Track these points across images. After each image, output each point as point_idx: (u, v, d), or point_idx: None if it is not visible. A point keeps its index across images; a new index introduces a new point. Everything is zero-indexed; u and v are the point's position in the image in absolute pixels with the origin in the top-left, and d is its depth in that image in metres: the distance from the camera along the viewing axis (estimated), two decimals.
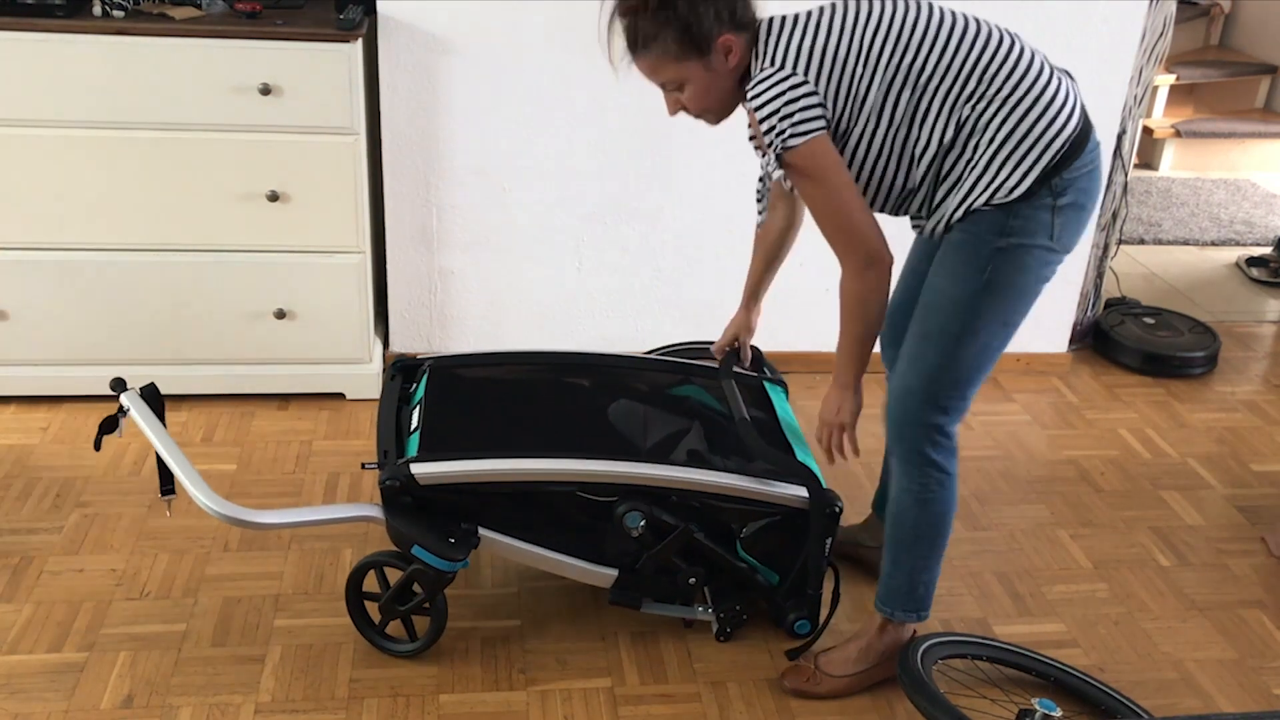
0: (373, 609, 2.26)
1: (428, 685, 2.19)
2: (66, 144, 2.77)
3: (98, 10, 2.72)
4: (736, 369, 2.52)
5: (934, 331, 2.02)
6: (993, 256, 1.95)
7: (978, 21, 1.95)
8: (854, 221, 1.94)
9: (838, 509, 2.22)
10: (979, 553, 2.69)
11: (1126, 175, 3.51)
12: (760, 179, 2.22)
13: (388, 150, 3.05)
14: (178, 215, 2.87)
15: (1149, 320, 3.77)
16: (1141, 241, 4.65)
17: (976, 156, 1.92)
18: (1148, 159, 5.54)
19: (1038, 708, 1.98)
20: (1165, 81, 5.36)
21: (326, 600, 2.39)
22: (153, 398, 2.21)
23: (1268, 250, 4.56)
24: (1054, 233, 1.94)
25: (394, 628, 2.27)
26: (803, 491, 2.21)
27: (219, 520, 2.11)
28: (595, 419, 2.36)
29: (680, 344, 2.88)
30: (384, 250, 3.17)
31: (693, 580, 2.26)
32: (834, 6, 1.95)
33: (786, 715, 2.18)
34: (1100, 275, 3.67)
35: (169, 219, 2.87)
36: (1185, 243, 4.70)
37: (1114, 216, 3.58)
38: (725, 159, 3.10)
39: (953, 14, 1.94)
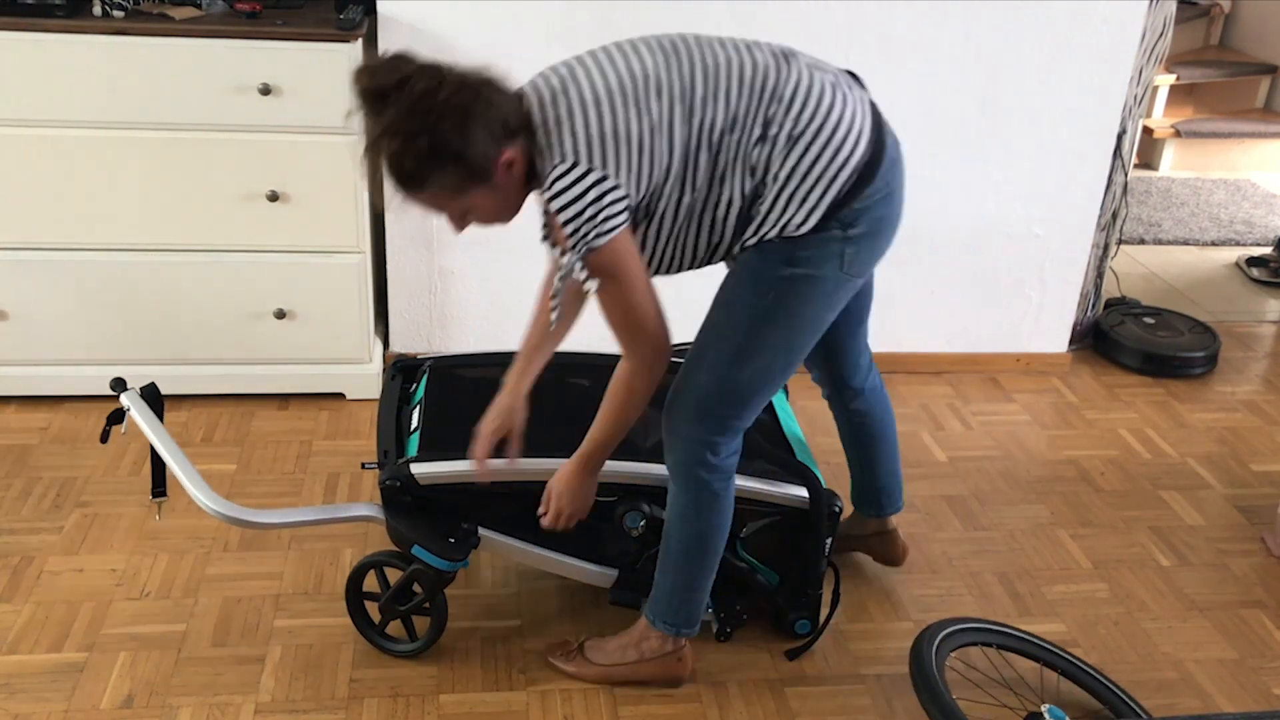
0: (373, 609, 2.26)
1: (428, 685, 2.19)
2: (66, 144, 2.77)
3: (98, 10, 2.72)
4: None
5: (710, 350, 1.98)
6: (777, 284, 1.90)
7: (749, 51, 1.86)
8: (649, 315, 1.87)
9: (838, 509, 2.22)
10: (979, 553, 2.69)
11: (1126, 175, 3.51)
12: (559, 278, 1.89)
13: None
14: (178, 215, 2.87)
15: (1149, 320, 3.77)
16: (1141, 241, 4.65)
17: (769, 195, 1.85)
18: (1148, 159, 5.54)
19: (1047, 715, 1.98)
20: (1165, 81, 5.36)
21: (326, 600, 2.39)
22: (153, 398, 2.21)
23: (1268, 250, 4.56)
24: (844, 263, 1.90)
25: (394, 628, 2.27)
26: (803, 492, 2.21)
27: (219, 520, 2.11)
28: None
29: (677, 344, 2.88)
30: (384, 250, 3.17)
31: None
32: (603, 72, 1.80)
33: (786, 715, 2.18)
34: (1100, 275, 3.67)
35: (169, 219, 2.87)
36: (1185, 243, 4.70)
37: (1114, 216, 3.58)
38: None
39: (723, 51, 1.85)
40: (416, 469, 2.15)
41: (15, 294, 2.91)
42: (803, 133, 1.82)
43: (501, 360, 2.56)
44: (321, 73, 2.76)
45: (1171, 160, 5.53)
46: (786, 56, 1.88)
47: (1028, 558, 2.68)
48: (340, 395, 3.16)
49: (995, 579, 2.60)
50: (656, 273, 1.97)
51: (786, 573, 2.29)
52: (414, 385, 2.46)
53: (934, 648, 2.08)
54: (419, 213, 3.11)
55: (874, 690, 2.25)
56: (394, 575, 2.21)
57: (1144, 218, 4.88)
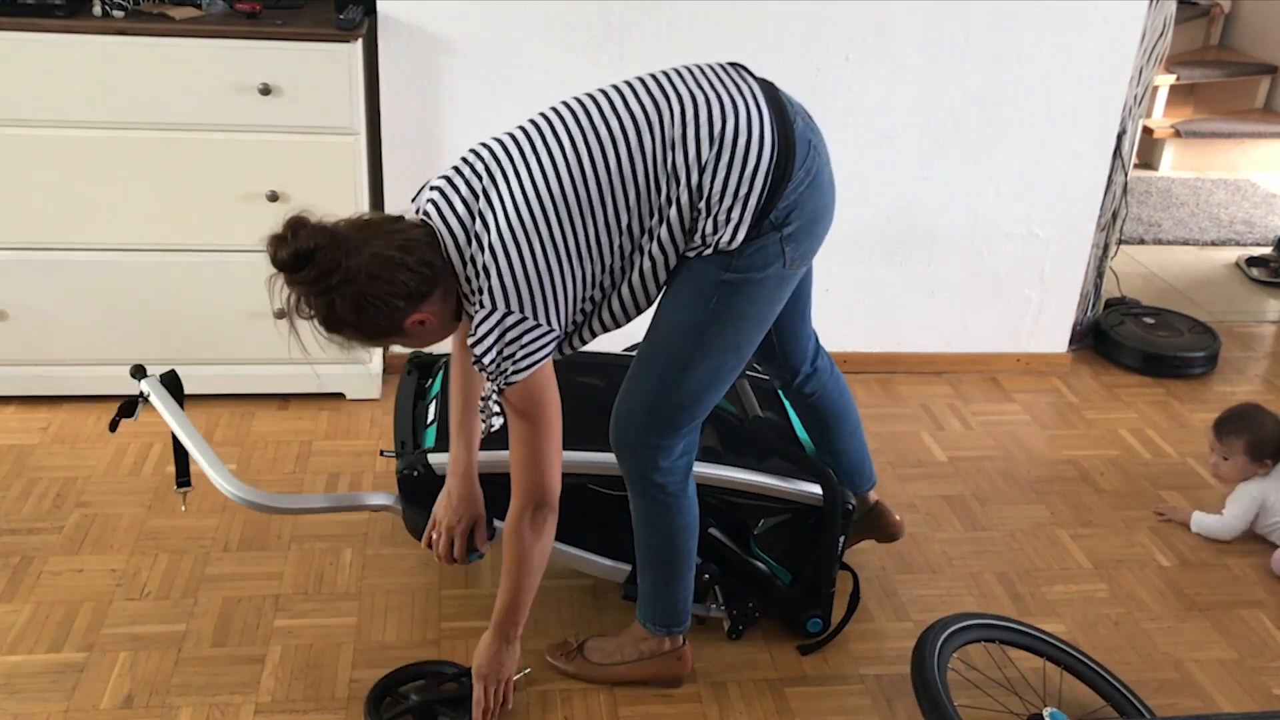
0: None
1: None
2: (67, 144, 2.77)
3: (98, 10, 2.72)
4: (749, 371, 2.53)
5: (658, 358, 1.96)
6: (718, 289, 1.88)
7: (626, 98, 1.84)
8: (547, 467, 1.89)
9: (851, 506, 2.22)
10: (979, 553, 2.69)
11: (1126, 175, 3.51)
12: (482, 401, 1.96)
13: (388, 150, 3.05)
14: (178, 215, 2.87)
15: (1149, 320, 3.77)
16: (1141, 241, 4.65)
17: (698, 227, 1.85)
18: (1148, 159, 5.54)
19: (1048, 717, 1.98)
20: (1165, 81, 5.36)
21: (326, 600, 2.40)
22: (173, 384, 2.21)
23: (1268, 250, 4.56)
24: (786, 259, 1.90)
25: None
26: (817, 488, 2.21)
27: (237, 504, 2.12)
28: (609, 416, 2.37)
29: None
30: None
31: (706, 576, 2.26)
32: (513, 193, 1.80)
33: (786, 715, 2.18)
34: (1100, 275, 3.67)
35: (169, 219, 2.87)
36: (1185, 243, 4.70)
37: (1114, 216, 3.58)
38: None
39: (598, 112, 1.84)
40: (435, 459, 2.18)
41: (15, 294, 2.91)
42: (709, 160, 1.81)
43: None
44: (321, 73, 2.76)
45: (1171, 160, 5.53)
46: (665, 90, 1.84)
47: (1028, 558, 2.68)
48: (340, 395, 3.16)
49: (995, 579, 2.60)
50: (617, 327, 1.98)
51: (799, 570, 2.29)
52: (430, 381, 2.49)
53: (936, 649, 2.07)
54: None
55: (874, 690, 2.25)
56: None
57: (1144, 218, 4.88)
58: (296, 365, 3.09)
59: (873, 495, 2.48)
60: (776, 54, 3.05)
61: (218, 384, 3.08)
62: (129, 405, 2.19)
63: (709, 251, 1.86)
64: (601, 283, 1.88)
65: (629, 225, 1.84)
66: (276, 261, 1.76)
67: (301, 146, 2.83)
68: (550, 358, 1.85)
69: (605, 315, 1.95)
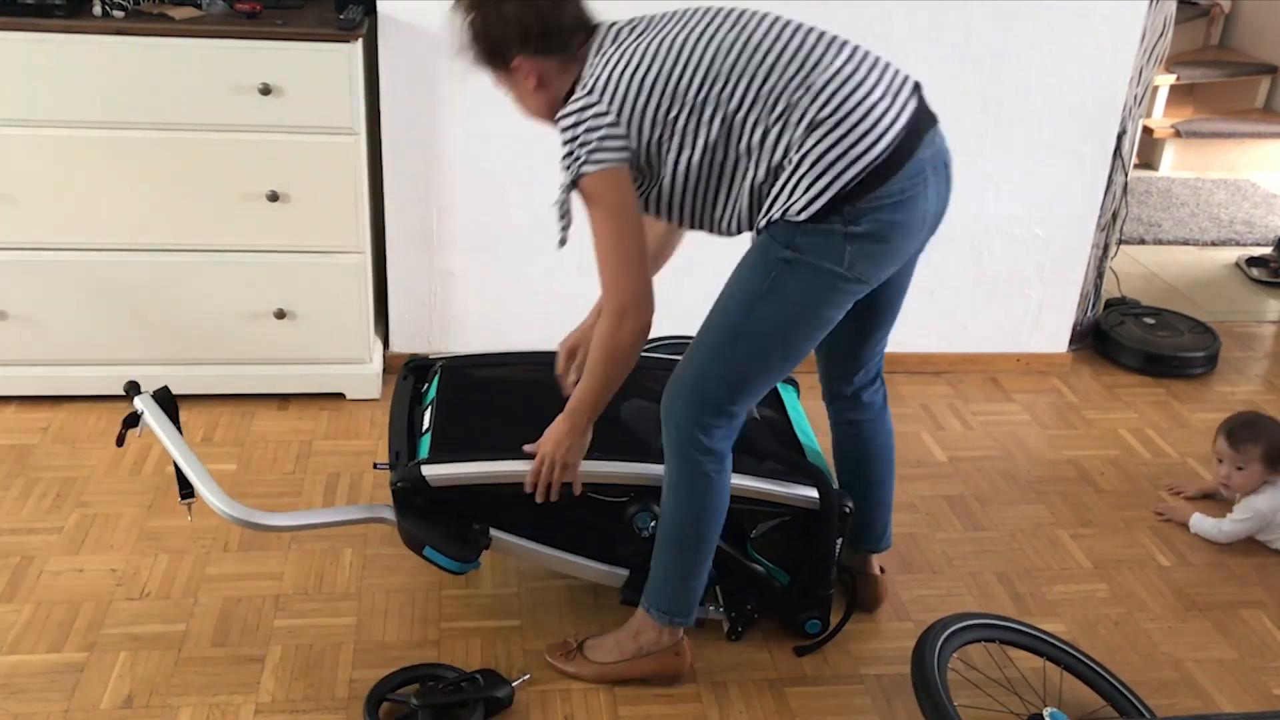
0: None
1: None
2: (66, 144, 2.77)
3: (98, 10, 2.72)
4: None
5: (713, 328, 2.00)
6: (777, 265, 1.90)
7: (805, 34, 1.89)
8: (631, 256, 1.91)
9: (848, 509, 2.22)
10: (979, 553, 2.69)
11: (1126, 175, 3.51)
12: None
13: (388, 150, 3.05)
14: (178, 215, 2.87)
15: (1149, 320, 3.77)
16: (1141, 241, 4.65)
17: (781, 178, 1.87)
18: (1148, 159, 5.54)
19: (1048, 717, 1.98)
20: (1165, 81, 5.36)
21: (326, 600, 2.39)
22: (165, 400, 2.21)
23: (1268, 250, 4.56)
24: (846, 260, 1.88)
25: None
26: (813, 492, 2.21)
27: (230, 522, 2.12)
28: (607, 418, 2.36)
29: (668, 337, 2.92)
30: (384, 250, 3.17)
31: None
32: (663, 26, 1.90)
33: (786, 715, 2.18)
34: (1100, 275, 3.67)
35: (169, 219, 2.87)
36: (1185, 243, 4.70)
37: (1114, 216, 3.58)
38: None
39: (779, 27, 1.89)
40: (428, 471, 2.15)
41: (15, 294, 2.91)
42: (822, 121, 1.84)
43: (514, 360, 2.57)
44: (321, 73, 2.76)
45: (1171, 160, 5.53)
46: (841, 48, 1.90)
47: (1028, 558, 2.68)
48: (340, 395, 3.16)
49: (995, 579, 2.60)
50: (670, 220, 2.01)
51: (797, 572, 2.29)
52: (426, 386, 2.47)
53: (936, 649, 2.07)
54: (419, 212, 3.12)
55: (874, 690, 2.25)
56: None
57: (1144, 218, 4.88)
58: (296, 365, 3.09)
59: (876, 562, 2.45)
60: None
61: (218, 384, 3.08)
62: (133, 417, 2.19)
63: (778, 216, 1.87)
64: (684, 146, 1.88)
65: (733, 112, 1.85)
66: None
67: (301, 146, 2.83)
68: (622, 167, 1.88)
69: (670, 196, 1.95)
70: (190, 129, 2.78)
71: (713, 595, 2.32)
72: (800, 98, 1.84)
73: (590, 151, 1.86)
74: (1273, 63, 5.69)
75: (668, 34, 1.89)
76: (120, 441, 2.21)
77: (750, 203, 1.92)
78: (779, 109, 1.85)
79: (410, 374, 2.51)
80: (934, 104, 3.32)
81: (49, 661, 2.19)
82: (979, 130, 3.22)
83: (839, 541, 2.24)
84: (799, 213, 1.86)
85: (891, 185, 1.86)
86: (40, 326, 2.95)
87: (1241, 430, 2.77)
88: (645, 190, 1.97)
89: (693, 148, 1.89)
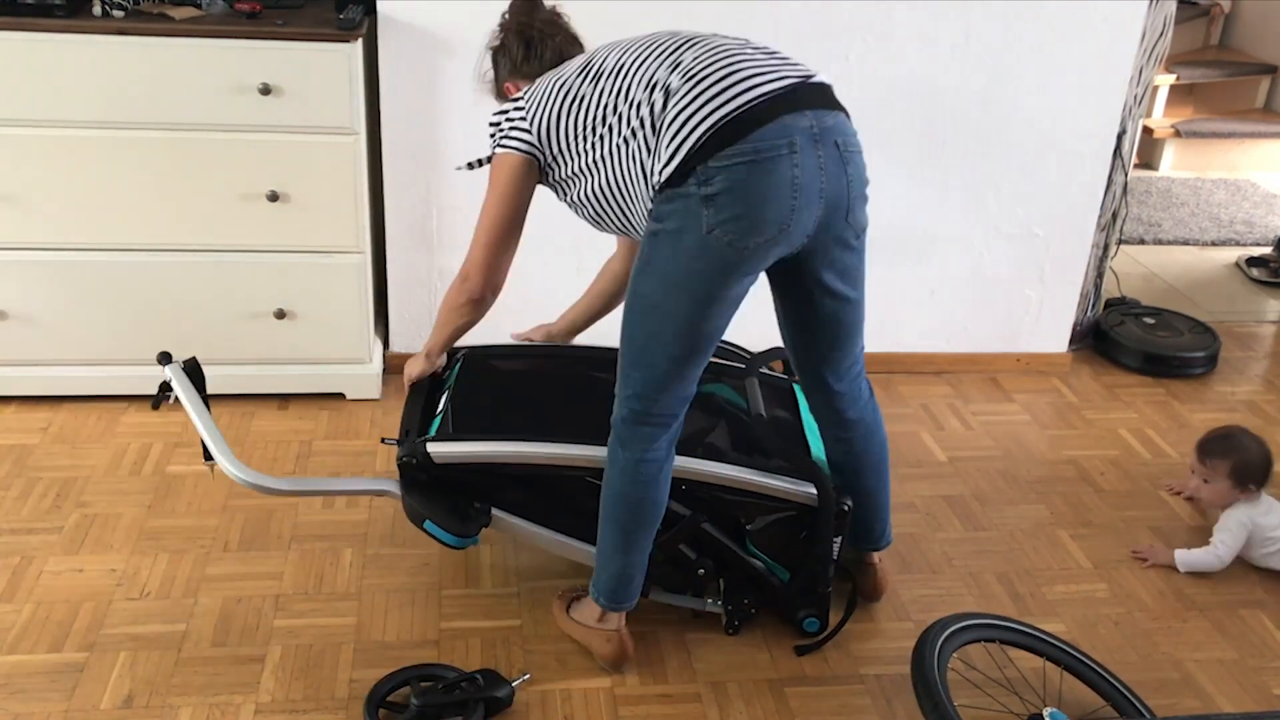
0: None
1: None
2: (67, 144, 2.77)
3: (98, 10, 2.72)
4: (767, 370, 2.54)
5: (624, 320, 2.06)
6: (646, 240, 1.96)
7: (711, 35, 2.00)
8: (488, 243, 2.15)
9: (846, 507, 2.22)
10: (979, 553, 2.69)
11: (1126, 175, 3.51)
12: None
13: (388, 150, 3.05)
14: (178, 215, 2.87)
15: (1149, 320, 3.77)
16: (1141, 241, 4.66)
17: (654, 145, 1.93)
18: (1148, 159, 5.54)
19: (1048, 717, 1.98)
20: (1165, 81, 5.36)
21: (326, 600, 2.40)
22: (193, 370, 2.29)
23: (1268, 250, 4.56)
24: (704, 224, 1.86)
25: None
26: (812, 489, 2.22)
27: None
28: (607, 410, 2.38)
29: None
30: (384, 250, 3.17)
31: (702, 571, 2.27)
32: (583, 80, 2.05)
33: (786, 715, 2.18)
34: (1100, 275, 3.67)
35: (169, 219, 2.87)
36: (1185, 243, 4.70)
37: (1114, 216, 3.58)
38: None
39: (691, 34, 2.01)
40: (433, 448, 2.22)
41: (15, 294, 2.91)
42: (679, 87, 1.90)
43: (536, 353, 2.62)
44: (321, 73, 2.76)
45: (1171, 160, 5.53)
46: (742, 44, 1.98)
47: (1028, 558, 2.68)
48: (340, 395, 3.16)
49: (995, 579, 2.60)
50: (618, 228, 2.14)
51: (797, 570, 2.29)
52: (447, 372, 2.51)
53: (936, 649, 2.07)
54: (419, 213, 3.12)
55: (874, 690, 2.25)
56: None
57: (1144, 218, 4.88)
58: (296, 365, 3.09)
59: (877, 556, 2.45)
60: None
61: (218, 384, 3.06)
62: (164, 387, 2.28)
63: (653, 181, 1.94)
64: (585, 136, 2.03)
65: (620, 98, 1.98)
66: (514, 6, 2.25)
67: (301, 146, 2.83)
68: (518, 153, 2.10)
69: (597, 199, 2.09)
70: (190, 129, 2.78)
71: (714, 588, 2.33)
72: (667, 73, 1.92)
73: (503, 135, 2.10)
74: (1273, 63, 5.69)
75: (578, 99, 2.04)
76: (156, 405, 2.31)
77: (643, 182, 1.98)
78: (650, 84, 1.93)
79: None
80: (934, 103, 3.31)
81: (49, 661, 2.19)
82: (979, 130, 3.22)
83: (838, 541, 2.24)
84: (660, 173, 1.90)
85: (743, 144, 1.84)
86: (40, 326, 2.95)
87: (1211, 444, 2.72)
88: (574, 192, 2.12)
89: (599, 147, 2.01)
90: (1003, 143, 3.24)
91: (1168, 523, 2.84)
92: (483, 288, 2.19)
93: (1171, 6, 3.34)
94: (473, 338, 3.30)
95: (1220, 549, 2.63)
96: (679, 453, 2.17)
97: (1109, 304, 3.87)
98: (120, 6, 2.75)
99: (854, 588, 2.40)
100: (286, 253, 2.94)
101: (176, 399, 2.28)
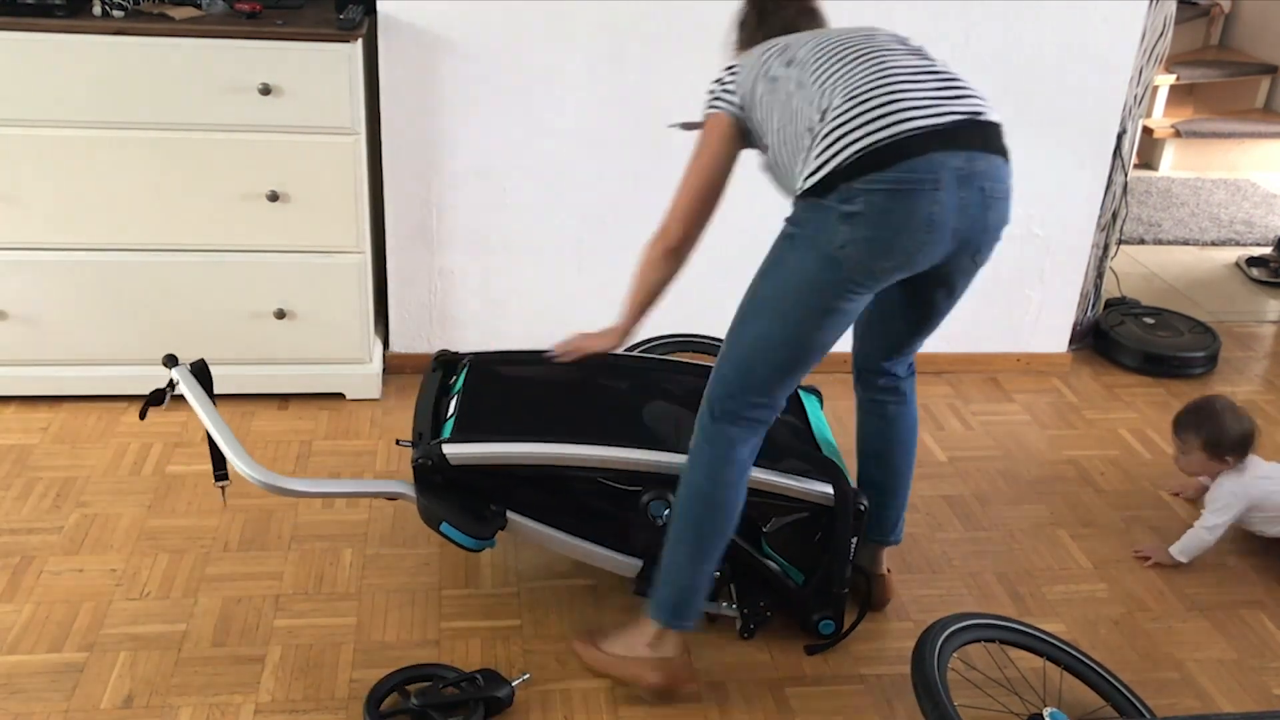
0: None
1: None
2: (66, 144, 2.77)
3: (98, 10, 2.72)
4: None
5: (736, 316, 2.08)
6: (781, 241, 2.00)
7: (899, 42, 2.04)
8: (691, 201, 2.13)
9: (863, 506, 2.22)
10: (979, 553, 2.69)
11: (1126, 175, 3.51)
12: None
13: (388, 150, 3.05)
14: (178, 215, 2.87)
15: (1149, 320, 3.77)
16: (1141, 241, 4.66)
17: (810, 143, 1.95)
18: (1148, 159, 5.54)
19: (1048, 717, 1.98)
20: (1165, 81, 5.37)
21: (326, 600, 2.40)
22: (201, 373, 2.28)
23: (1268, 250, 4.56)
24: (839, 240, 1.89)
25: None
26: (828, 488, 2.21)
27: (255, 485, 2.15)
28: (628, 415, 2.40)
29: (668, 335, 2.99)
30: (384, 250, 3.17)
31: (717, 574, 2.26)
32: (785, 51, 2.07)
33: (786, 715, 2.18)
34: (1100, 275, 3.67)
35: (169, 219, 2.87)
36: (1185, 243, 4.70)
37: (1114, 216, 3.58)
38: None
39: (880, 34, 2.05)
40: (449, 449, 2.21)
41: (15, 294, 2.91)
42: (839, 105, 1.90)
43: (542, 359, 2.61)
44: (321, 73, 2.76)
45: (1171, 160, 5.53)
46: (913, 52, 2.01)
47: (1028, 558, 2.68)
48: (340, 395, 3.16)
49: (995, 579, 2.60)
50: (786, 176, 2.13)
51: (811, 571, 2.29)
52: (454, 378, 2.51)
53: (936, 649, 2.06)
54: (419, 213, 3.12)
55: (874, 690, 2.25)
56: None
57: (1144, 218, 4.88)
58: (296, 365, 3.09)
59: (885, 562, 2.45)
60: None
61: (218, 384, 3.04)
62: (157, 395, 2.25)
63: (796, 185, 1.97)
64: (772, 115, 2.04)
65: (810, 80, 1.99)
66: None
67: (301, 146, 2.83)
68: (726, 114, 2.11)
69: (774, 152, 2.09)
70: (190, 129, 2.78)
71: (726, 592, 2.33)
72: (834, 84, 1.93)
73: (714, 95, 2.12)
74: (1273, 63, 5.69)
75: (780, 66, 2.05)
76: (143, 415, 2.27)
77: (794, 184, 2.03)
78: (820, 90, 1.95)
79: (440, 366, 2.55)
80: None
81: (49, 661, 2.19)
82: None
83: (854, 541, 2.24)
84: (805, 179, 1.91)
85: (889, 172, 1.86)
86: (40, 326, 2.95)
87: (1184, 417, 2.72)
88: (764, 145, 2.11)
89: (781, 131, 2.02)
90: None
91: (1168, 523, 2.85)
92: (681, 237, 2.15)
93: (1171, 6, 3.34)
94: (461, 343, 3.32)
95: (1207, 519, 2.64)
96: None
97: (1109, 304, 3.87)
98: (120, 6, 2.75)
99: (866, 588, 2.39)
100: (286, 253, 2.94)
101: (168, 402, 2.26)
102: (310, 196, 2.89)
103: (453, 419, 2.32)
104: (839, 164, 1.87)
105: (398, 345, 3.30)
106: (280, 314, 3.00)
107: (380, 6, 2.89)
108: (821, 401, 2.60)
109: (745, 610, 2.31)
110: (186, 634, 2.28)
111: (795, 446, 2.28)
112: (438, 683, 2.12)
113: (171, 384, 2.27)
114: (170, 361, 2.28)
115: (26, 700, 2.10)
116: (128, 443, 2.89)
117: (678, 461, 2.17)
